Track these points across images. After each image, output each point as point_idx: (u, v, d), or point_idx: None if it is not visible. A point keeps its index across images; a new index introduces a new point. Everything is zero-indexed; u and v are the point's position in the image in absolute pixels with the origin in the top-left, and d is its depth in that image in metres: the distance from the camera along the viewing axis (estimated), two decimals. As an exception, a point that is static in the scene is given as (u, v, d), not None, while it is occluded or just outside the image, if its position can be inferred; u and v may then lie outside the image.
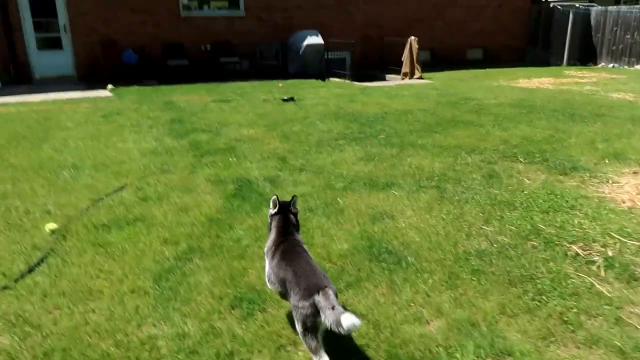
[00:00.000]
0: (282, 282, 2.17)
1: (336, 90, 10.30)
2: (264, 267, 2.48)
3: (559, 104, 8.17)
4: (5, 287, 2.81)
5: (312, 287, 1.97)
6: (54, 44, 12.17)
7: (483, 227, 3.52)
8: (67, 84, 11.63)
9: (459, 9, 16.51)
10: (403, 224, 3.55)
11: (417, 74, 12.74)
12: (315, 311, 1.92)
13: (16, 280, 2.89)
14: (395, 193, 4.15)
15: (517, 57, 17.84)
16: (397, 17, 15.61)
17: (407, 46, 12.87)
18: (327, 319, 1.85)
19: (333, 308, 1.86)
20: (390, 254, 3.09)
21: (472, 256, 3.06)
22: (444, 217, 3.69)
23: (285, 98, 8.74)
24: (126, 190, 4.30)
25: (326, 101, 8.71)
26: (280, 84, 11.30)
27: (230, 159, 5.13)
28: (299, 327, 2.02)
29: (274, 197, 2.50)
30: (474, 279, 2.80)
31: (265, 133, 6.27)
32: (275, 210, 2.47)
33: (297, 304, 2.00)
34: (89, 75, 12.35)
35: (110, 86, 10.74)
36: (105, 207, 3.93)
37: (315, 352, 1.98)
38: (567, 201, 3.93)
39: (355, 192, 4.18)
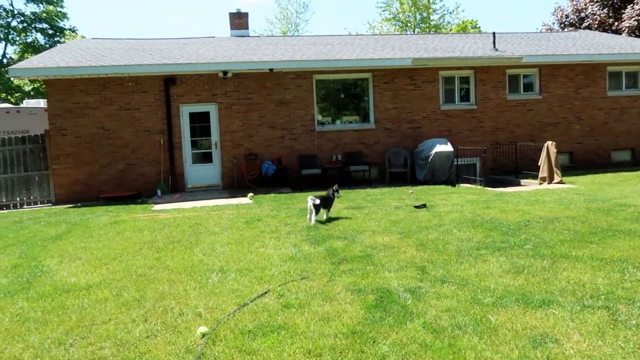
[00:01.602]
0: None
1: (469, 196, 10.00)
2: None
3: None
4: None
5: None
6: (205, 158, 13.79)
7: (677, 360, 2.92)
8: (213, 192, 12.90)
9: (598, 111, 15.67)
10: (572, 351, 3.09)
11: (557, 178, 11.96)
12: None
13: (171, 383, 2.98)
14: (556, 312, 3.69)
15: (673, 158, 16.07)
16: (528, 122, 15.24)
17: (544, 150, 12.29)
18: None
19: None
20: (562, 387, 2.66)
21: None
22: (622, 345, 3.15)
23: (417, 205, 8.66)
24: (269, 295, 4.40)
25: (460, 208, 8.44)
26: (410, 190, 11.32)
27: (368, 268, 5.06)
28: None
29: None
30: None
31: (400, 241, 6.17)
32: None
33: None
34: (232, 184, 13.61)
35: (250, 194, 11.66)
36: (250, 312, 4.03)
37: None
38: None
39: (507, 309, 3.80)
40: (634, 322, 3.47)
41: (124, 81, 13.04)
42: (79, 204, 12.24)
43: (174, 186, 13.33)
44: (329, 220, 7.79)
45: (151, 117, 13.22)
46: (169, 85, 13.22)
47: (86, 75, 12.66)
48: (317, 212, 7.59)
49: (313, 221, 7.53)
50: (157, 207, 10.80)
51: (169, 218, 8.91)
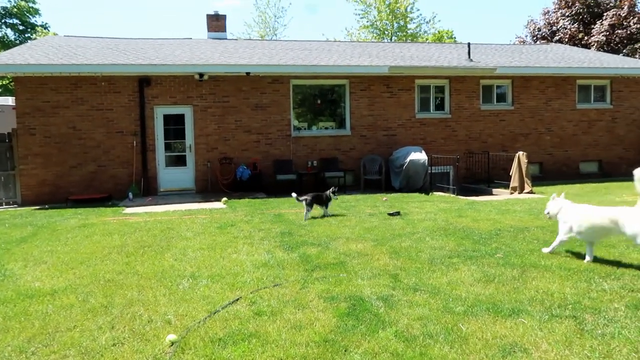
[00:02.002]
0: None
1: (442, 204, 10.11)
2: None
3: (703, 223, 7.22)
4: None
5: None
6: (179, 161, 13.60)
7: (640, 370, 3.00)
8: (187, 196, 12.72)
9: (567, 123, 16.10)
10: (540, 360, 3.14)
11: (527, 188, 12.22)
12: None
13: (137, 394, 2.90)
14: (525, 321, 3.74)
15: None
16: (500, 132, 15.56)
17: (516, 160, 12.55)
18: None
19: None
20: (530, 396, 2.69)
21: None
22: (588, 354, 3.21)
23: (391, 212, 8.71)
24: (240, 302, 4.34)
25: (433, 216, 8.53)
26: (384, 197, 11.39)
27: (341, 275, 5.05)
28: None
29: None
30: None
31: (374, 248, 6.18)
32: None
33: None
34: (205, 188, 13.45)
35: (224, 199, 11.54)
36: (220, 319, 3.97)
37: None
38: None
39: (478, 318, 3.84)
40: (599, 331, 3.54)
41: (97, 80, 12.78)
42: (46, 206, 11.89)
43: (147, 189, 13.10)
44: (302, 226, 7.75)
45: (124, 118, 12.98)
46: (144, 86, 13.01)
47: (57, 73, 12.35)
48: (309, 209, 8.43)
49: (306, 218, 8.35)
50: (128, 210, 10.58)
51: (140, 222, 8.74)
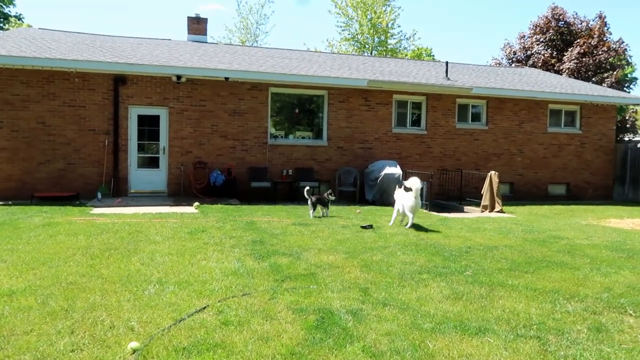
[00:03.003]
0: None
1: (415, 220, 10.19)
2: None
3: (663, 250, 7.48)
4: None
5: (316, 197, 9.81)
6: (152, 163, 13.36)
7: (600, 392, 3.05)
8: (158, 199, 12.49)
9: (538, 145, 16.52)
10: (504, 380, 3.16)
11: (498, 207, 12.44)
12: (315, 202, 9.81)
13: (94, 403, 2.80)
14: (490, 340, 3.77)
15: (603, 194, 17.17)
16: (474, 151, 15.84)
17: (487, 180, 12.79)
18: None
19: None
20: (493, 416, 2.70)
21: None
22: (551, 375, 3.25)
23: (364, 225, 8.73)
24: (207, 311, 4.26)
25: (405, 230, 8.59)
26: (358, 210, 11.41)
27: (311, 287, 5.01)
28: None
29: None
30: None
31: (345, 260, 6.17)
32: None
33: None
34: (178, 192, 13.25)
35: (196, 203, 11.37)
36: (186, 327, 3.87)
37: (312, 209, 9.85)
38: (699, 369, 3.37)
39: (445, 335, 3.85)
40: (562, 353, 3.60)
41: (71, 76, 12.49)
42: (9, 202, 11.50)
43: (117, 190, 12.81)
44: (274, 236, 7.70)
45: (97, 116, 12.70)
46: (119, 85, 12.78)
47: (29, 66, 12.03)
48: (314, 209, 9.95)
49: (312, 215, 9.92)
50: (96, 210, 10.32)
51: (107, 223, 8.52)
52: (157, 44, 16.24)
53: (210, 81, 13.40)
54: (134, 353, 3.42)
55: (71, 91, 12.52)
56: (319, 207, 10.01)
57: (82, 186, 12.57)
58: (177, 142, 13.29)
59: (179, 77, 13.06)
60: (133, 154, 13.12)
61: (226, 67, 13.45)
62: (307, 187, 10.53)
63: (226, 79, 13.34)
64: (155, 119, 13.23)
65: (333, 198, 10.28)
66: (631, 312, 4.54)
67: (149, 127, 13.24)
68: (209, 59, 14.48)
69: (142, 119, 13.15)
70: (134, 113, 13.02)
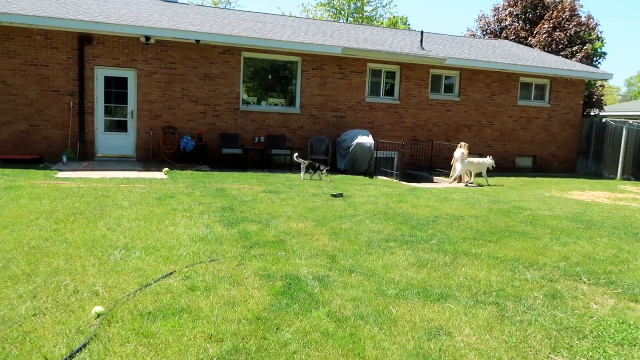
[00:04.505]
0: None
1: (385, 189, 10.31)
2: None
3: (619, 221, 7.80)
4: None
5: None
6: (120, 127, 13.02)
7: (551, 356, 3.21)
8: (126, 164, 12.25)
9: (508, 118, 16.77)
10: (462, 344, 3.29)
11: (467, 178, 12.67)
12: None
13: (57, 367, 2.79)
14: (452, 306, 3.90)
15: (567, 167, 17.66)
16: (445, 122, 15.98)
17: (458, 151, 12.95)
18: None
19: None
20: (450, 378, 2.82)
21: (544, 391, 2.75)
22: (507, 339, 3.40)
23: (335, 194, 8.79)
24: (174, 277, 4.25)
25: (375, 200, 8.69)
26: (329, 178, 11.46)
27: (280, 254, 5.05)
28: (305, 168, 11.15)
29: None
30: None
31: (315, 228, 6.22)
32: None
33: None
34: (147, 157, 13.00)
35: (166, 169, 11.20)
36: (152, 293, 3.87)
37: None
38: (643, 334, 3.57)
39: (409, 301, 3.96)
40: (519, 318, 3.76)
41: (33, 34, 11.92)
42: (-31, 164, 11.09)
43: (83, 154, 12.49)
44: (245, 203, 7.68)
45: (61, 76, 12.23)
46: (84, 45, 12.28)
47: (-13, 22, 11.41)
48: (307, 172, 11.21)
49: (302, 177, 11.22)
50: (61, 174, 10.05)
51: (73, 188, 8.33)
52: (125, 2, 15.58)
53: (180, 43, 13.01)
54: (98, 317, 3.41)
55: (33, 49, 11.97)
56: (310, 171, 11.28)
57: (46, 149, 12.19)
58: (147, 105, 12.95)
59: (148, 38, 12.63)
60: (100, 117, 12.75)
61: (197, 30, 13.05)
62: (297, 154, 11.84)
63: (197, 41, 12.98)
64: (123, 82, 12.82)
65: (328, 168, 11.63)
66: (585, 280, 4.75)
67: (116, 89, 12.84)
68: (180, 20, 14.02)
69: (109, 81, 12.73)
70: (100, 74, 12.59)
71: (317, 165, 11.31)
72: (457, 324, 3.60)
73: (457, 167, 12.19)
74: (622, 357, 3.23)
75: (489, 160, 12.32)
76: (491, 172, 15.88)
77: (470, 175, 12.78)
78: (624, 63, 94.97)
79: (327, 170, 11.41)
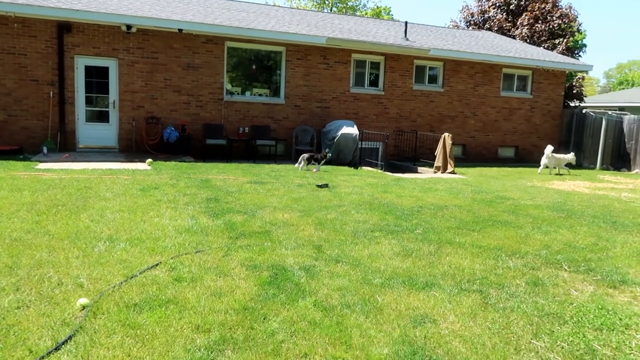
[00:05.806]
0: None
1: (369, 179, 10.36)
2: None
3: (599, 210, 7.97)
4: (30, 366, 2.69)
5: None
6: (101, 117, 12.82)
7: (532, 341, 3.28)
8: (108, 155, 12.09)
9: (491, 109, 16.94)
10: (446, 331, 3.35)
11: (450, 168, 12.80)
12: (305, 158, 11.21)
13: (42, 358, 2.77)
14: (436, 294, 3.96)
15: (548, 158, 17.91)
16: (429, 112, 16.07)
17: (441, 141, 13.07)
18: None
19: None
20: (435, 364, 2.87)
21: (526, 375, 2.82)
22: (490, 326, 3.47)
23: (320, 184, 8.80)
24: (160, 268, 4.23)
25: (360, 190, 8.73)
26: (314, 169, 11.47)
27: (265, 244, 5.06)
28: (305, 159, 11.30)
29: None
30: (530, 402, 2.55)
31: (300, 219, 6.24)
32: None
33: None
34: (130, 148, 12.84)
35: (149, 160, 11.08)
36: (138, 284, 3.85)
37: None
38: (620, 319, 3.67)
39: (394, 289, 4.01)
40: (501, 305, 3.83)
41: (9, 21, 11.63)
42: (-55, 155, 10.82)
43: (64, 144, 12.28)
44: (230, 193, 7.65)
45: (40, 65, 11.97)
46: (63, 33, 12.03)
47: (-38, 9, 11.09)
48: (308, 164, 11.33)
49: (300, 168, 11.25)
50: (42, 165, 9.88)
51: (54, 179, 8.20)
52: (105, -10, 15.24)
53: (162, 32, 12.82)
54: (83, 309, 3.38)
55: (10, 37, 11.68)
56: (312, 162, 11.44)
57: (25, 140, 11.96)
58: (128, 95, 12.77)
59: (129, 26, 12.41)
60: (81, 107, 12.53)
61: (180, 18, 12.86)
62: (306, 155, 11.81)
63: (180, 30, 12.80)
64: (104, 71, 12.60)
65: (329, 155, 11.79)
66: (566, 267, 4.86)
67: (97, 79, 12.62)
68: (162, 9, 13.80)
69: (89, 70, 12.50)
70: (80, 63, 12.35)
71: (317, 156, 11.52)
72: (442, 311, 3.66)
73: (543, 161, 14.06)
74: (601, 342, 3.31)
75: (570, 156, 14.15)
76: (474, 162, 16.08)
77: (453, 165, 12.91)
78: (602, 55, 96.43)
79: (328, 154, 11.71)
